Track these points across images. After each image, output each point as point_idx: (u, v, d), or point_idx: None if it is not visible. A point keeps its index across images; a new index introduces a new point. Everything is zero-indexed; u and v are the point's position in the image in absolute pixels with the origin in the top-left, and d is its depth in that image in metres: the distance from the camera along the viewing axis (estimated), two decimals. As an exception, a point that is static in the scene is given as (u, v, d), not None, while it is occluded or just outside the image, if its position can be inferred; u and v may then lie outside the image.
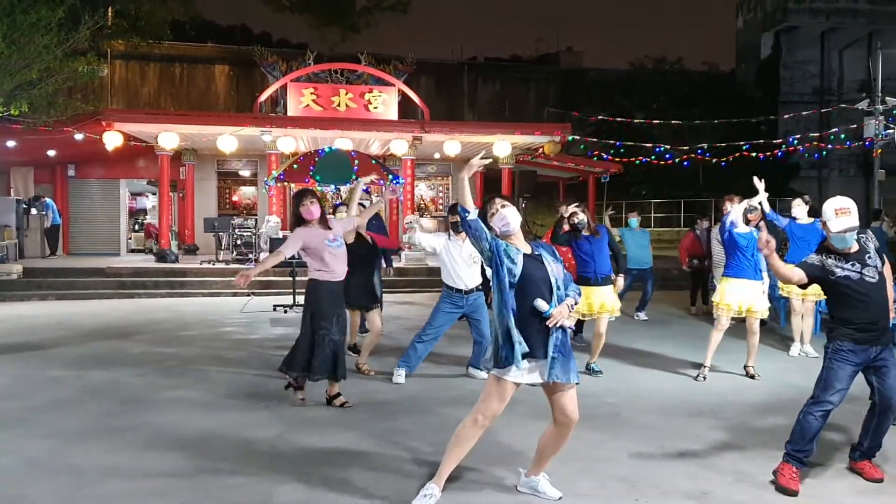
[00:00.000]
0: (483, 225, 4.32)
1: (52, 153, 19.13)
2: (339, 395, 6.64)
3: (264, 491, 4.63)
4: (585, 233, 8.00)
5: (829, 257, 4.85)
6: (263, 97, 20.15)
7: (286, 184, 16.88)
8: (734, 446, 5.52)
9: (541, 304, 4.18)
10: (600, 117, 28.62)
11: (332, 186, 15.78)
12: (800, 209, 9.17)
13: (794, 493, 4.59)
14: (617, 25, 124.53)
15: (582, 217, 8.01)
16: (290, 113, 19.40)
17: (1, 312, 12.63)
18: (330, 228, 6.48)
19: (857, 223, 4.71)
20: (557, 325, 4.19)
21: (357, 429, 5.90)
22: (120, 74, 34.17)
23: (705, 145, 23.84)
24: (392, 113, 20.00)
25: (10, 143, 16.76)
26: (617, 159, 24.55)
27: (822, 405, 4.76)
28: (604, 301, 7.95)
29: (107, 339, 10.01)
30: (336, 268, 6.46)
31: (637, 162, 25.80)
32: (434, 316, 7.58)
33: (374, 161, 15.82)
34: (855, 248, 4.84)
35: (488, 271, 4.40)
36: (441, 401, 6.81)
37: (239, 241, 17.55)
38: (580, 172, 25.09)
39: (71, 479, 4.79)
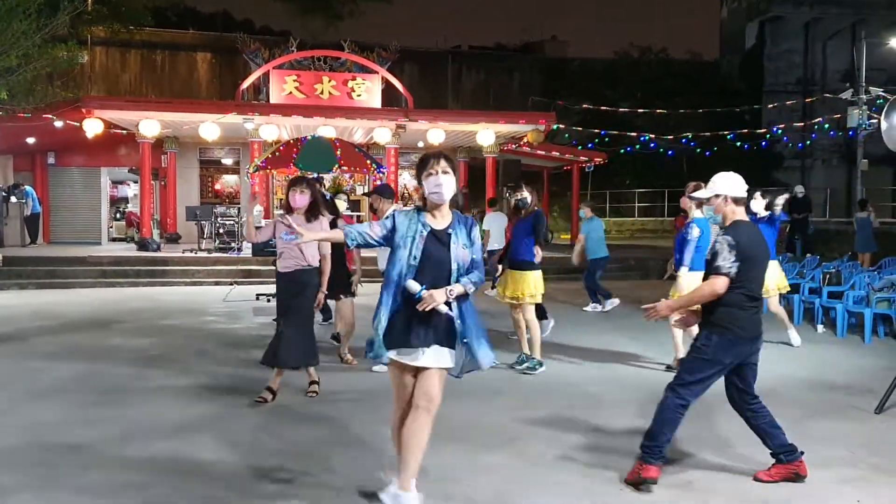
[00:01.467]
0: (365, 237, 4.07)
1: (31, 141, 18.91)
2: (314, 383, 6.62)
3: (245, 482, 4.59)
4: (524, 214, 7.82)
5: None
6: (246, 85, 19.95)
7: (269, 171, 16.76)
8: (716, 435, 5.52)
9: (412, 284, 3.87)
10: (585, 106, 28.64)
11: (314, 175, 15.67)
12: (757, 203, 8.67)
13: (757, 481, 4.64)
14: (601, 15, 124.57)
15: (525, 195, 7.83)
16: (272, 101, 19.23)
17: (-21, 302, 12.48)
18: (311, 221, 6.32)
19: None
20: (427, 309, 3.84)
21: (338, 419, 5.87)
22: (100, 61, 33.76)
23: (689, 135, 23.92)
24: (375, 101, 19.88)
25: (-11, 131, 16.56)
26: (601, 149, 24.61)
27: None
28: (523, 288, 7.69)
29: (87, 329, 9.91)
30: (287, 258, 6.40)
31: (621, 151, 25.89)
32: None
33: (357, 149, 15.72)
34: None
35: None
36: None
37: (221, 230, 17.41)
38: (564, 162, 25.09)
39: (49, 471, 4.73)
